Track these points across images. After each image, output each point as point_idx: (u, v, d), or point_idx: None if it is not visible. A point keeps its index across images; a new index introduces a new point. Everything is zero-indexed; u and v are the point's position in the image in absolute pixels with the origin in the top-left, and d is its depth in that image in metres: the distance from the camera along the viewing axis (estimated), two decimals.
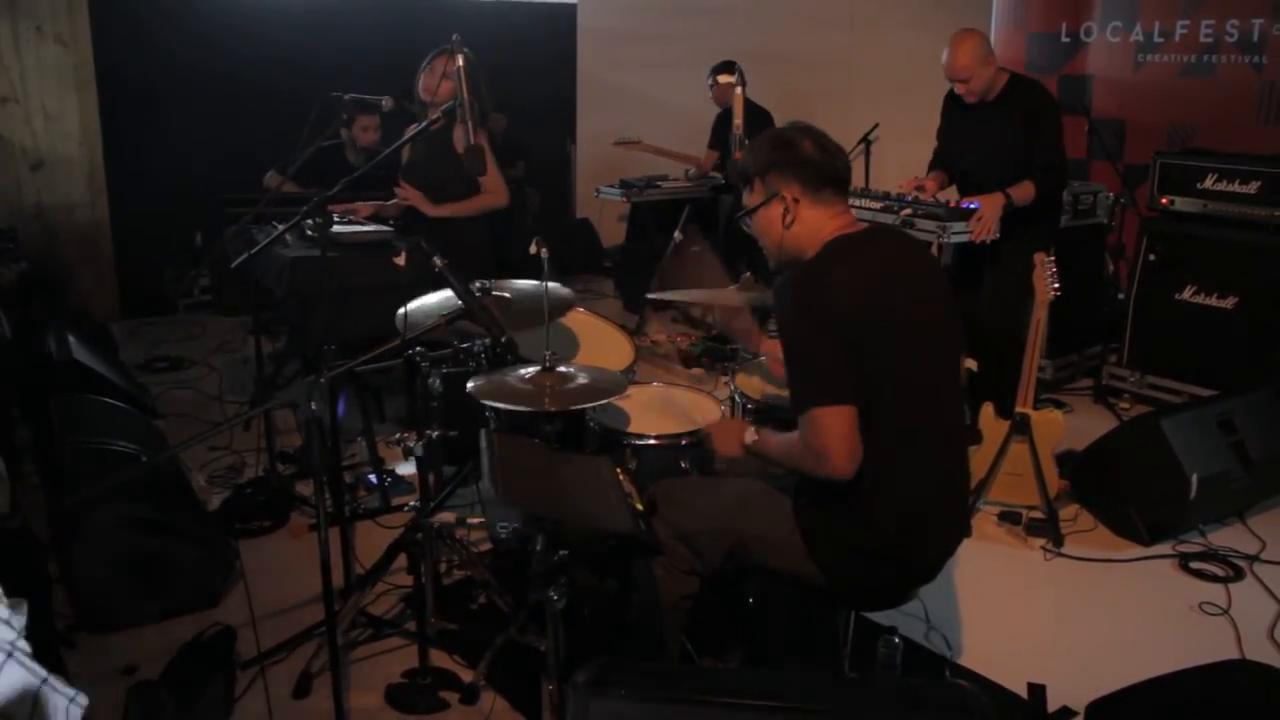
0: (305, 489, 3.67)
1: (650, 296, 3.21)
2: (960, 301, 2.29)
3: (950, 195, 4.15)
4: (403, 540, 2.73)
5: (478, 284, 2.68)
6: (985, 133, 3.90)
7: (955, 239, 3.91)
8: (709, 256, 5.16)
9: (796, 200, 2.11)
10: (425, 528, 2.62)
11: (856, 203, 4.26)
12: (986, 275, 3.98)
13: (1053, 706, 2.49)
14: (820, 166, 2.11)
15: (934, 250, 4.27)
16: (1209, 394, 4.15)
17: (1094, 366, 4.99)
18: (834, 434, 1.95)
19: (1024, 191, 3.79)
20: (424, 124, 2.86)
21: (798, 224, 2.12)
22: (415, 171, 3.89)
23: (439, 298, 2.86)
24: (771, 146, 2.15)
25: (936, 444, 2.09)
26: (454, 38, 2.81)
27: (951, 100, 4.03)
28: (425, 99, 3.71)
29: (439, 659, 2.69)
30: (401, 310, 2.81)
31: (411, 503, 2.76)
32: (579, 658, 1.76)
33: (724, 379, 4.14)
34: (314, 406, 2.06)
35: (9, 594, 1.29)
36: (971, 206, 3.94)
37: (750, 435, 2.22)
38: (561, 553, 1.87)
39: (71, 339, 3.95)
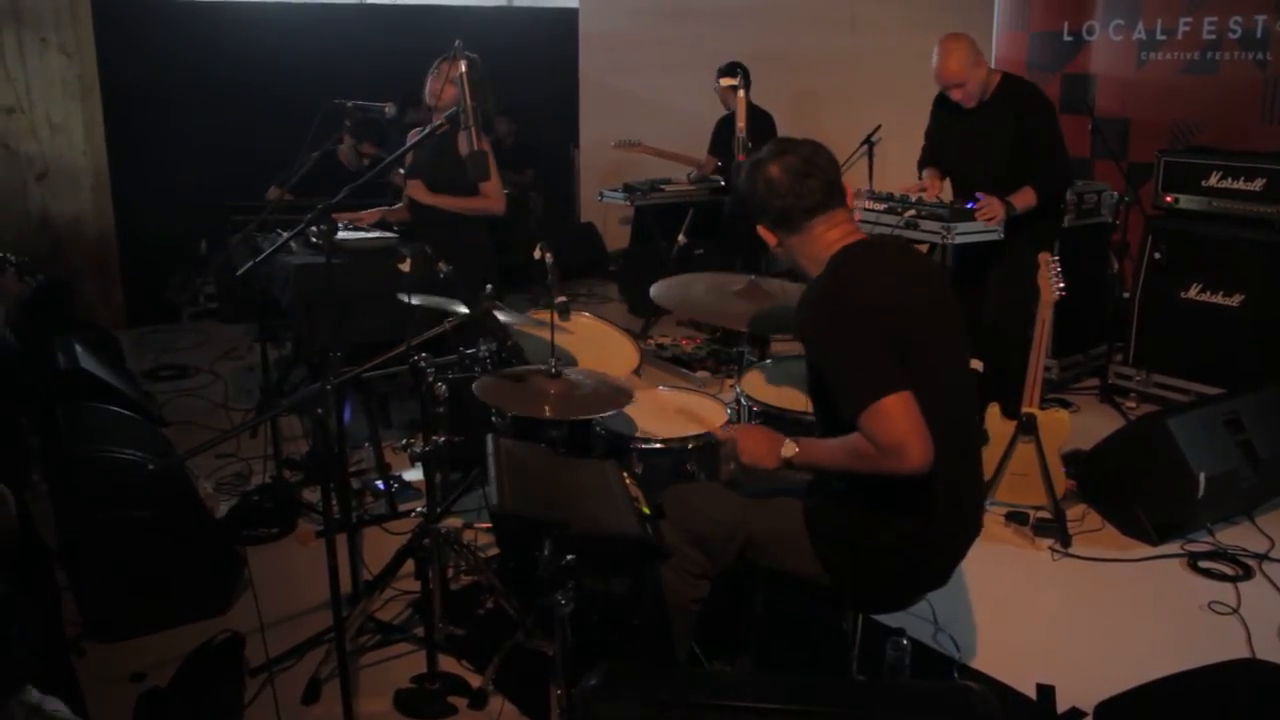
0: (312, 495, 3.67)
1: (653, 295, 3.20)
2: (965, 302, 2.28)
3: (951, 196, 4.14)
4: (410, 546, 2.73)
5: (486, 289, 2.68)
6: (979, 134, 3.87)
7: (960, 239, 3.89)
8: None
9: (772, 232, 2.17)
10: (432, 533, 2.62)
11: (860, 204, 4.24)
12: (991, 275, 3.97)
13: (1062, 707, 2.48)
14: (790, 204, 2.10)
15: (938, 251, 4.26)
16: (1216, 393, 4.13)
17: (1100, 366, 4.98)
18: (904, 422, 1.88)
19: (1025, 198, 3.78)
20: (427, 129, 2.86)
21: (781, 248, 2.19)
22: (419, 173, 3.90)
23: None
24: (748, 180, 2.18)
25: (953, 446, 2.07)
26: (456, 43, 2.82)
27: (942, 103, 4.00)
28: (430, 104, 3.73)
29: (447, 664, 2.70)
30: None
31: (418, 508, 2.76)
32: (587, 662, 1.76)
33: (729, 382, 4.14)
34: (320, 413, 2.07)
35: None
36: (972, 206, 3.93)
37: (790, 448, 2.09)
38: (569, 557, 1.87)
39: (78, 348, 3.96)
